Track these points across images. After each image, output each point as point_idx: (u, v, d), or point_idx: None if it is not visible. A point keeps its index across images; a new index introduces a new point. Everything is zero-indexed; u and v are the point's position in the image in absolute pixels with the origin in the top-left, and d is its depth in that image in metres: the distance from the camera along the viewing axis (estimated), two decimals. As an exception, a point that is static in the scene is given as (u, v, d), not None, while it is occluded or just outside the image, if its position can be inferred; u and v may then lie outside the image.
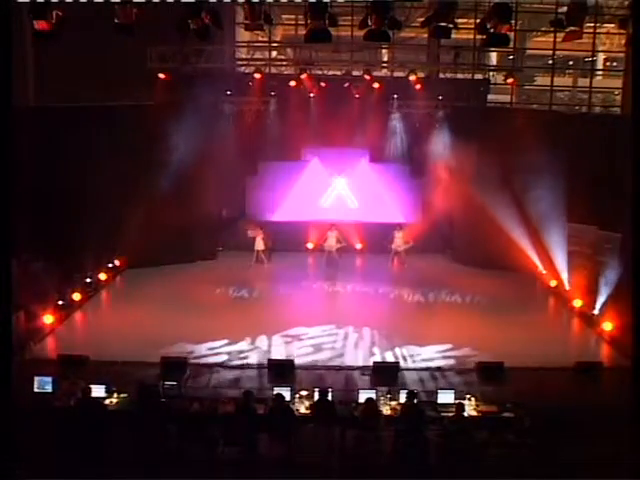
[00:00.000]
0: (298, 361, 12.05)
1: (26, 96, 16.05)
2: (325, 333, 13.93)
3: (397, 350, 12.95)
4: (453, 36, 10.83)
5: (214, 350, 12.79)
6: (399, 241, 18.52)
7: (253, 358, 12.46)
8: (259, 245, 18.60)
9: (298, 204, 20.27)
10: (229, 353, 12.67)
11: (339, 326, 14.20)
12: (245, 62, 19.47)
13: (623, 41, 18.04)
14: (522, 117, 17.56)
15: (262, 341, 13.30)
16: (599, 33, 19.95)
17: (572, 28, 11.17)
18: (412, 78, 17.66)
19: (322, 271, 18.33)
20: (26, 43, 15.19)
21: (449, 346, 13.12)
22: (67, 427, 8.30)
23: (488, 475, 7.97)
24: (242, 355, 12.59)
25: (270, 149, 19.72)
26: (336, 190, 20.56)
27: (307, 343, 13.40)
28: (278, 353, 12.75)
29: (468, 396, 9.74)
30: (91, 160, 15.17)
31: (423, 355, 12.78)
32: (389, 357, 12.67)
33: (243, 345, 13.09)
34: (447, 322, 14.66)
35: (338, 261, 18.40)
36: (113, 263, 17.27)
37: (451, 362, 12.36)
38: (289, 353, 12.72)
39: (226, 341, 13.24)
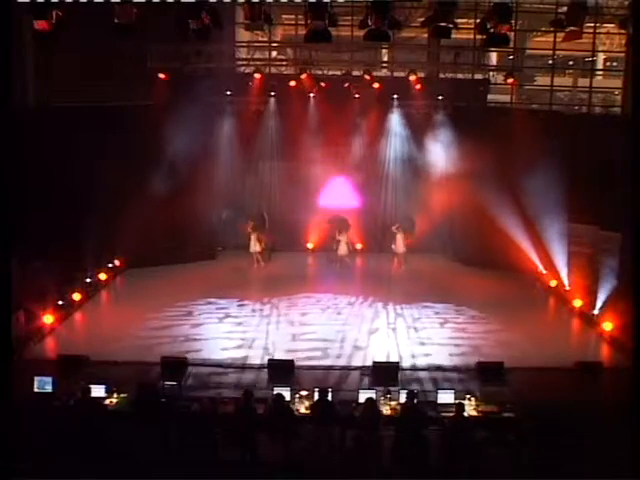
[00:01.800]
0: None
1: (26, 96, 16.04)
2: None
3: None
4: (453, 36, 10.83)
5: (214, 349, 12.81)
6: (400, 242, 18.49)
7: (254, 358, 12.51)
8: (255, 247, 18.46)
9: (298, 204, 20.25)
10: (229, 352, 12.69)
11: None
12: (245, 62, 19.47)
13: (623, 41, 18.07)
14: (522, 117, 17.57)
15: (263, 340, 13.36)
16: (599, 33, 19.90)
17: (572, 28, 11.19)
18: (412, 78, 17.68)
19: (334, 274, 18.30)
20: (26, 43, 15.18)
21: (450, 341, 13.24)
22: (67, 427, 8.30)
23: (488, 475, 7.97)
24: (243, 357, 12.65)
25: (270, 149, 19.71)
26: (336, 190, 20.55)
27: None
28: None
29: (468, 396, 9.75)
30: (91, 160, 15.14)
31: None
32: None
33: (243, 345, 13.13)
34: (447, 322, 14.67)
35: (350, 265, 18.47)
36: (113, 263, 17.27)
37: (451, 362, 12.36)
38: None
39: (226, 340, 13.27)
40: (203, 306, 15.33)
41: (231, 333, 13.79)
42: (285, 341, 13.40)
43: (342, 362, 12.27)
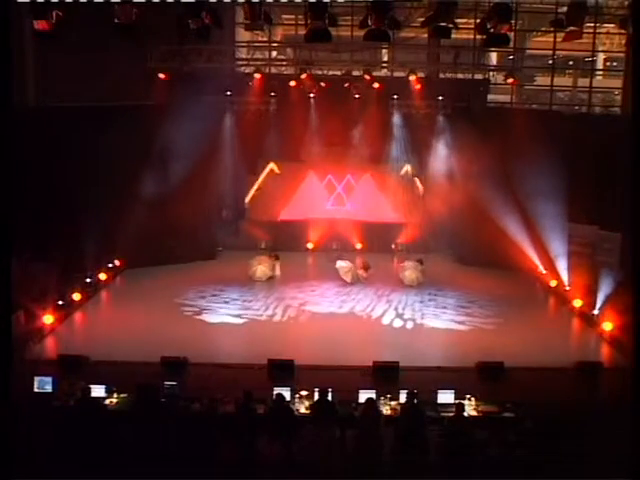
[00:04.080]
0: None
1: (26, 96, 16.05)
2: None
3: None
4: (453, 36, 10.84)
5: (215, 349, 12.81)
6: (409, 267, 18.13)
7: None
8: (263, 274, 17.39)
9: (298, 204, 20.26)
10: (230, 351, 12.71)
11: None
12: (245, 62, 19.50)
13: (623, 41, 18.07)
14: (522, 117, 17.58)
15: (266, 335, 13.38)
16: (599, 33, 19.91)
17: (572, 28, 11.21)
18: (412, 78, 17.70)
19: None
20: (26, 43, 15.19)
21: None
22: (67, 427, 8.30)
23: (488, 475, 7.96)
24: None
25: (270, 149, 19.71)
26: (336, 190, 20.54)
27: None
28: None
29: (468, 396, 9.74)
30: (91, 160, 15.17)
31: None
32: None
33: (244, 344, 13.13)
34: (447, 321, 14.67)
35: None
36: (113, 263, 17.26)
37: (451, 361, 12.35)
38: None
39: (227, 339, 13.28)
40: (203, 306, 15.34)
41: (231, 333, 13.80)
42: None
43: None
